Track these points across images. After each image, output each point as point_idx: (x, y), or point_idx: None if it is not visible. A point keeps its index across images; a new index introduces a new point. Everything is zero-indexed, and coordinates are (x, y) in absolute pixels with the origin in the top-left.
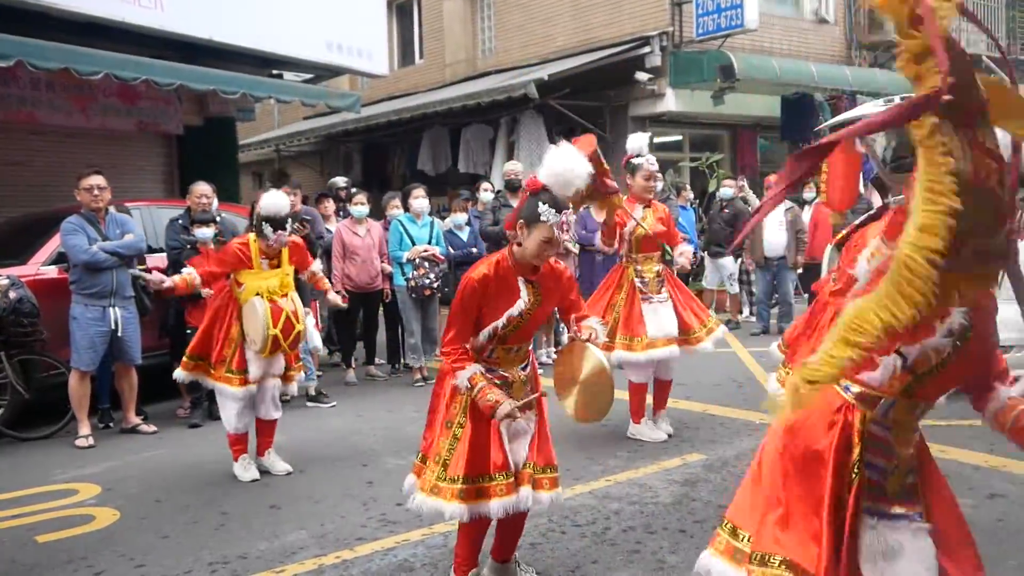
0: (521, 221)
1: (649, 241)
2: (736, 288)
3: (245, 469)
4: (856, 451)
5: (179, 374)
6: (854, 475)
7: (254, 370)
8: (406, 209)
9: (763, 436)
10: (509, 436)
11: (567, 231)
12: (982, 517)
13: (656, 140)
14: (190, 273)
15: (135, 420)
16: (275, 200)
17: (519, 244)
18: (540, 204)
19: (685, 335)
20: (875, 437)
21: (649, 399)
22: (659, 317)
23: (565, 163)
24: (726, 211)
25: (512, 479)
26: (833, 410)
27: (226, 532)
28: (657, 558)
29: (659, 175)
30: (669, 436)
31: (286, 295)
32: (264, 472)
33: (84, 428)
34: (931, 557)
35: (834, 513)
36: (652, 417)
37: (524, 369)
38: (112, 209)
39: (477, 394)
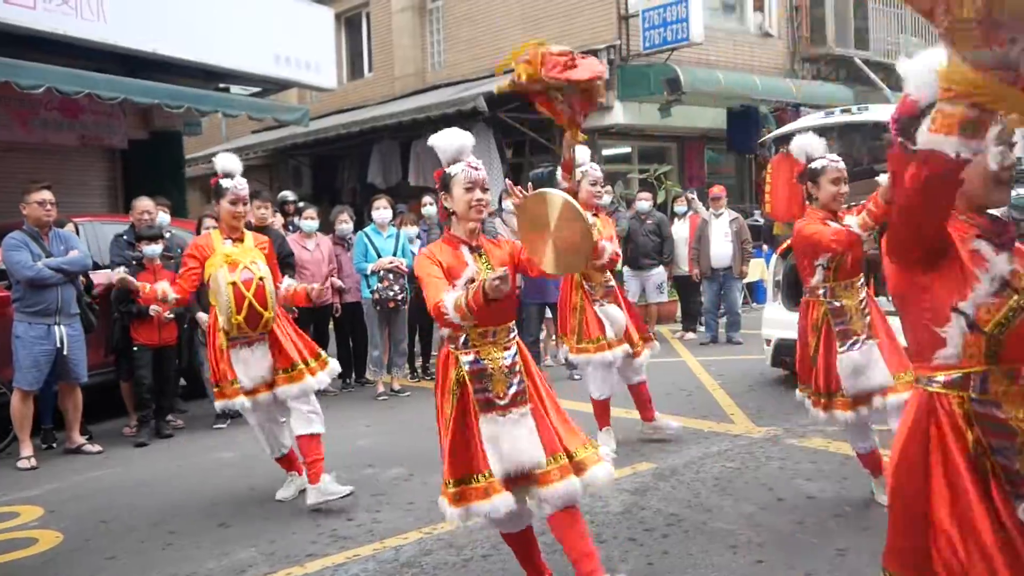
0: (442, 193)
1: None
2: (665, 297)
3: (284, 487)
4: (971, 434)
5: (218, 404)
6: (985, 461)
7: (245, 378)
8: (370, 220)
9: (712, 444)
10: (491, 439)
11: (479, 169)
12: None
13: (605, 152)
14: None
15: (79, 440)
16: (227, 157)
17: (452, 214)
18: (446, 172)
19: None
20: (985, 417)
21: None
22: (609, 319)
23: (449, 137)
24: (649, 222)
25: (492, 479)
26: (923, 414)
27: (174, 551)
28: (608, 567)
29: (602, 180)
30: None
31: (255, 263)
32: (212, 490)
33: (26, 449)
34: None
35: (988, 513)
36: (647, 426)
37: (507, 358)
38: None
39: (471, 298)
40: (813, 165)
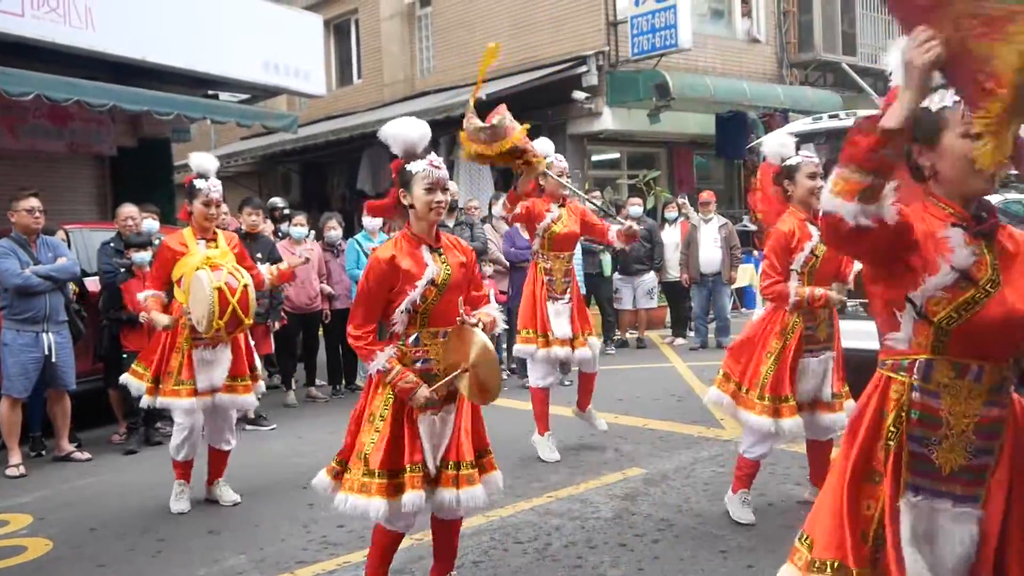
0: (402, 191)
1: (562, 240)
2: (654, 303)
3: (176, 499)
4: (889, 419)
5: (145, 400)
6: (889, 444)
7: (202, 379)
8: (361, 226)
9: (702, 449)
10: (429, 435)
11: (440, 168)
12: None
13: (594, 158)
14: (159, 299)
15: (68, 447)
16: (202, 156)
17: (411, 210)
18: (404, 167)
19: (577, 337)
20: (920, 405)
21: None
22: (560, 319)
23: (403, 128)
24: (640, 228)
25: (423, 472)
26: (877, 393)
27: (164, 559)
28: (599, 572)
29: (567, 172)
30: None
31: (238, 270)
32: (202, 497)
33: (15, 457)
34: (965, 546)
35: (857, 489)
36: (580, 413)
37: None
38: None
39: (395, 377)
40: (788, 162)
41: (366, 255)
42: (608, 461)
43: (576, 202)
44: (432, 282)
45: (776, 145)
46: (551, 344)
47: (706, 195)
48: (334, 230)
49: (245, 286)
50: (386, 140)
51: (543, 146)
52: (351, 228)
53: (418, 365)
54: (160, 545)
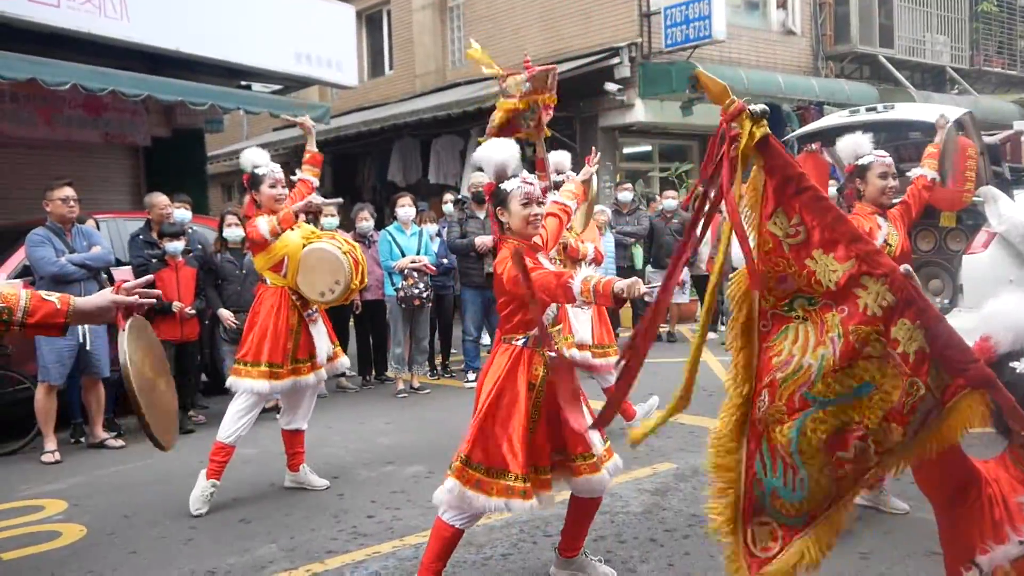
0: (498, 208)
1: (573, 249)
2: (686, 297)
3: (202, 500)
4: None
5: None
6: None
7: (320, 345)
8: (393, 218)
9: None
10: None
11: (534, 185)
12: None
13: (626, 151)
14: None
15: (102, 434)
16: (254, 151)
17: (508, 229)
18: (499, 186)
19: (601, 348)
20: None
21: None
22: (578, 322)
23: (492, 151)
24: (674, 222)
25: (528, 484)
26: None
27: (195, 547)
28: (628, 567)
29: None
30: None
31: (334, 238)
32: (233, 486)
33: (50, 443)
34: None
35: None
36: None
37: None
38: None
39: (601, 284)
40: (860, 161)
41: (399, 247)
42: (638, 456)
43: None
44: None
45: (852, 142)
46: (570, 347)
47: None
48: (366, 221)
49: (355, 249)
50: (479, 164)
51: (560, 158)
52: (382, 219)
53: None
54: (191, 533)
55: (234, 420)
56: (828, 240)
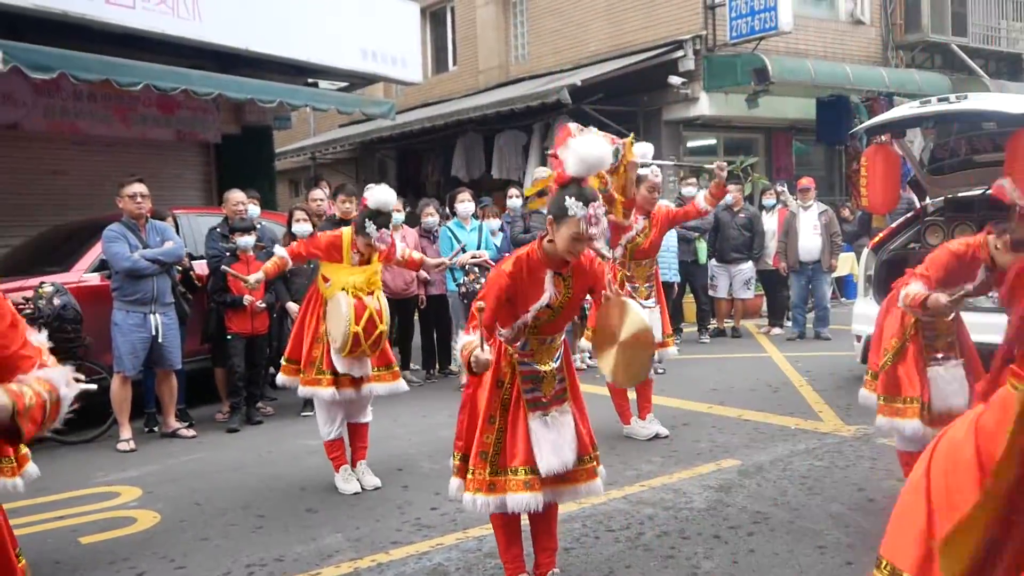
0: (550, 217)
1: (645, 251)
2: (751, 293)
3: (346, 481)
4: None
5: (280, 378)
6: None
7: (341, 369)
8: (453, 213)
9: (799, 442)
10: (536, 434)
11: (596, 224)
12: None
13: (690, 144)
14: (280, 256)
15: (175, 424)
16: (384, 195)
17: (550, 240)
18: (567, 198)
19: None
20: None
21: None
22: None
23: (588, 146)
24: (741, 216)
25: (534, 475)
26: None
27: (263, 535)
28: (692, 564)
29: (661, 187)
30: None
31: (372, 293)
32: (300, 476)
33: (125, 432)
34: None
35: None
36: (640, 419)
37: (556, 361)
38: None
39: (470, 349)
40: None
41: (459, 241)
42: (702, 452)
43: (661, 206)
44: (548, 306)
45: None
46: None
47: (805, 181)
48: (431, 216)
49: (372, 313)
50: (565, 157)
51: (642, 149)
52: (445, 214)
53: (523, 368)
54: (260, 521)
55: (323, 422)
56: None
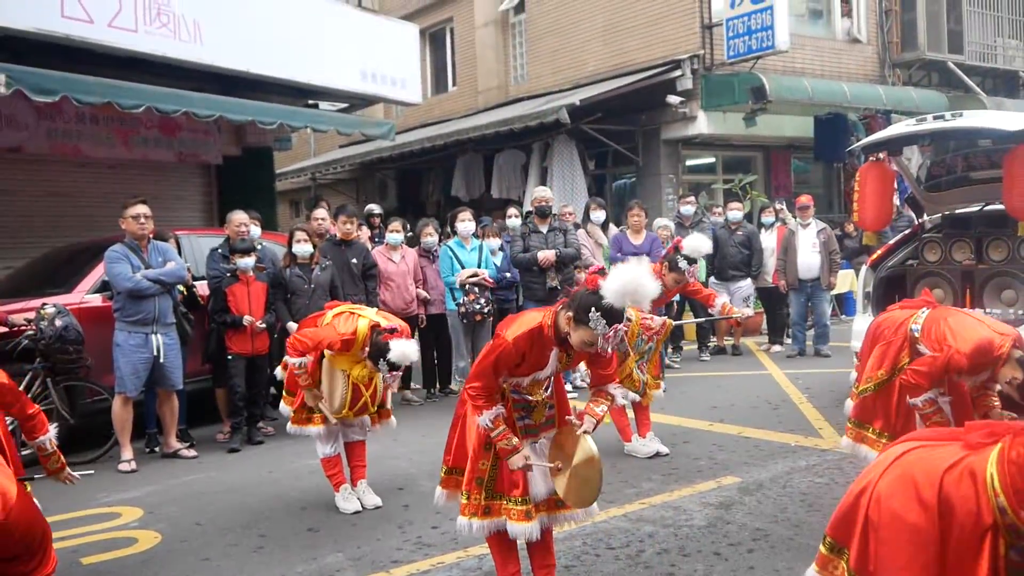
0: (570, 314)
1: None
2: (751, 311)
3: (346, 500)
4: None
5: (282, 407)
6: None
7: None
8: (453, 233)
9: (799, 459)
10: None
11: (613, 341)
12: None
13: (689, 163)
14: (301, 364)
15: (176, 445)
16: (407, 351)
17: (566, 335)
18: (593, 310)
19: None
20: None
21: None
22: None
23: (644, 281)
24: (739, 233)
25: (531, 505)
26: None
27: (265, 555)
28: None
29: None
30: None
31: (370, 383)
32: (301, 496)
33: (127, 453)
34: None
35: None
36: (640, 437)
37: (547, 390)
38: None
39: (497, 436)
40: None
41: (459, 261)
42: (702, 469)
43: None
44: (549, 376)
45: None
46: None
47: (804, 199)
48: (431, 236)
49: (365, 400)
50: (606, 285)
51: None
52: (445, 234)
53: (514, 396)
54: (261, 541)
55: (320, 441)
56: None
